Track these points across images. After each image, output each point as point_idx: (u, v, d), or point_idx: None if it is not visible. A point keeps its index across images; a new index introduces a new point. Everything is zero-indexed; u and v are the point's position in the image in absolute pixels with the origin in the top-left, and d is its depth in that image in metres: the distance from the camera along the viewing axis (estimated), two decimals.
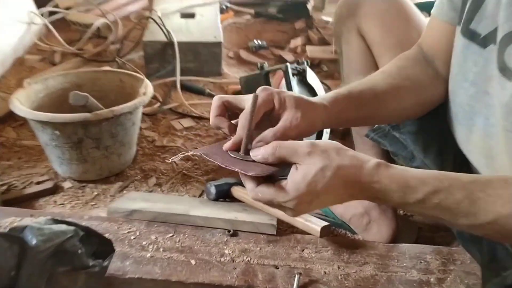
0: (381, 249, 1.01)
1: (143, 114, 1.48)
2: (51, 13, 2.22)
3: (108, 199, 1.25)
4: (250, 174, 0.61)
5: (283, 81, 1.27)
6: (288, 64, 1.24)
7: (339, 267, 0.95)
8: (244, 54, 2.12)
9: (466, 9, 0.76)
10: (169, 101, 1.72)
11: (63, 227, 0.74)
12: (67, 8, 2.32)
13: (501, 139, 0.72)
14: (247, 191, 0.64)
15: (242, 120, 0.66)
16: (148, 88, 1.33)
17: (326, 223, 1.03)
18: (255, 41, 2.18)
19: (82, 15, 2.29)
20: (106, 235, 0.97)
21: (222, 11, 2.40)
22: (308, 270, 0.94)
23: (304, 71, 1.28)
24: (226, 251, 0.97)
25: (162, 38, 1.85)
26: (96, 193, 1.27)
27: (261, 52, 2.16)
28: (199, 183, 1.31)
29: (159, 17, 1.91)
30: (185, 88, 1.78)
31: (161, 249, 0.97)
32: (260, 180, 0.63)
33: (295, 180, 0.60)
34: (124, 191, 1.28)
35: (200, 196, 1.26)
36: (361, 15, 1.00)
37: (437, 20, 0.84)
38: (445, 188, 0.59)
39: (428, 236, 1.13)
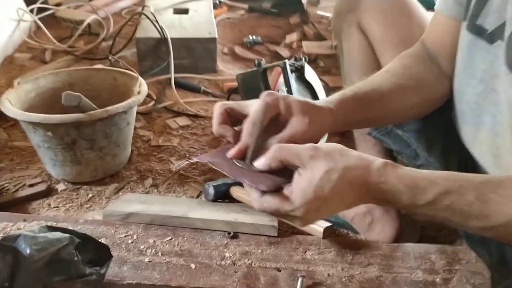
0: (385, 249, 0.99)
1: (137, 113, 1.46)
2: (41, 10, 2.18)
3: (104, 201, 1.22)
4: (260, 188, 0.59)
5: (281, 78, 1.24)
6: (286, 60, 1.21)
7: (342, 269, 0.93)
8: (239, 50, 2.09)
9: (472, 4, 0.74)
10: (163, 99, 1.70)
11: (58, 234, 0.71)
12: (57, 5, 2.28)
13: (507, 137, 0.70)
14: (252, 201, 0.61)
15: (248, 127, 0.64)
16: (142, 87, 1.31)
17: (329, 224, 1.01)
18: (250, 36, 2.16)
19: (73, 12, 2.25)
20: (103, 240, 0.96)
21: (215, 6, 2.37)
22: (311, 273, 0.92)
23: (302, 67, 1.25)
24: (227, 254, 0.95)
25: (155, 34, 1.82)
26: (91, 195, 1.24)
27: (256, 48, 2.13)
28: (197, 184, 1.29)
29: (152, 13, 1.88)
30: (180, 85, 1.75)
31: (160, 253, 0.95)
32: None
33: (300, 186, 0.57)
34: (120, 193, 1.25)
35: (198, 197, 1.24)
36: (361, 10, 0.98)
37: (441, 16, 0.82)
38: (456, 189, 0.57)
39: (432, 235, 1.11)
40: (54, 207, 1.18)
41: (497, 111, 0.71)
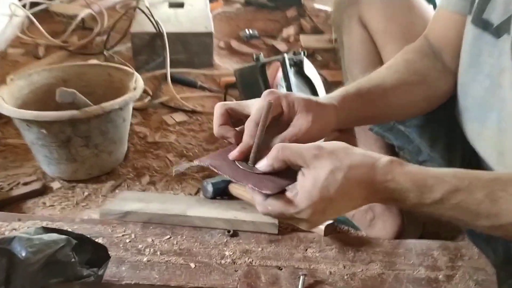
0: (387, 246, 0.99)
1: (133, 109, 1.43)
2: (34, 5, 2.15)
3: (100, 199, 1.20)
4: (264, 192, 0.57)
5: (280, 73, 1.23)
6: (285, 55, 1.19)
7: (344, 267, 0.93)
8: (235, 44, 2.07)
9: None
10: (159, 94, 1.68)
11: (54, 236, 0.69)
12: None
13: (511, 134, 0.68)
14: (256, 205, 0.59)
15: (249, 128, 0.62)
16: (138, 82, 1.29)
17: (330, 221, 1.00)
18: (246, 30, 2.13)
19: (66, 6, 2.22)
20: (100, 239, 0.95)
21: (211, 0, 2.34)
22: (312, 271, 0.91)
23: (301, 62, 1.24)
24: (227, 253, 0.94)
25: (150, 29, 1.80)
26: (87, 193, 1.22)
27: (253, 41, 2.11)
28: (195, 181, 1.27)
29: (147, 7, 1.85)
30: (176, 80, 1.73)
31: (158, 253, 0.93)
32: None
33: (305, 187, 0.55)
34: (116, 191, 1.24)
35: (196, 194, 1.23)
36: (362, 3, 0.96)
37: (445, 11, 0.81)
38: (464, 187, 0.55)
39: (433, 230, 1.10)
40: (49, 206, 1.17)
41: (503, 107, 0.70)
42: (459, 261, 0.94)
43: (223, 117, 0.64)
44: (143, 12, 1.83)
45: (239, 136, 0.63)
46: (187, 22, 1.92)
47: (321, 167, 0.55)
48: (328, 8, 2.14)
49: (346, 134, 1.28)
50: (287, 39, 2.12)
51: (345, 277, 0.90)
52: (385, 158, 0.57)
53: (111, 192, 1.23)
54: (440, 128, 0.88)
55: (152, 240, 0.96)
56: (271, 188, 0.57)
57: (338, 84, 0.79)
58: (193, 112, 1.59)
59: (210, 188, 1.13)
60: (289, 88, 1.15)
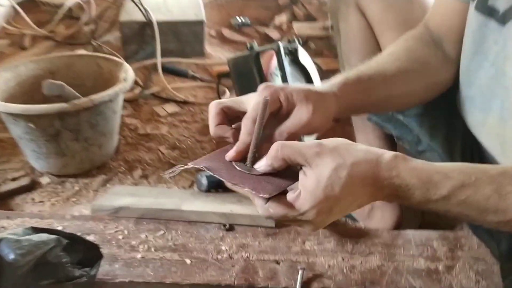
0: (386, 237, 0.97)
1: (124, 100, 1.40)
2: None
3: (91, 194, 1.18)
4: (262, 196, 0.54)
5: (274, 62, 1.19)
6: (280, 43, 1.16)
7: (343, 259, 0.91)
8: (227, 32, 2.04)
9: None
10: (150, 85, 1.65)
11: (43, 236, 0.67)
12: None
13: None
14: (257, 208, 0.56)
15: (246, 125, 0.59)
16: (128, 73, 1.26)
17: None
18: (237, 18, 2.09)
19: None
20: (92, 236, 0.93)
21: None
22: (311, 264, 0.90)
23: (296, 50, 1.20)
24: (223, 248, 0.92)
25: (139, 17, 1.76)
26: (77, 188, 1.20)
27: (245, 29, 2.07)
28: (189, 173, 1.24)
29: None
30: (167, 70, 1.70)
31: (153, 249, 0.91)
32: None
33: (308, 187, 0.53)
34: (108, 185, 1.21)
35: (190, 187, 1.21)
36: None
37: None
38: (472, 182, 0.53)
39: (432, 220, 1.09)
40: (38, 202, 1.14)
41: (506, 96, 0.68)
42: (459, 251, 0.93)
43: (219, 116, 0.61)
44: (132, 0, 1.78)
45: (237, 135, 0.60)
46: (177, 10, 1.88)
47: (323, 165, 0.52)
48: None
49: (342, 124, 1.26)
50: (280, 26, 2.09)
51: (344, 270, 0.88)
52: (388, 154, 0.54)
53: (102, 186, 1.21)
54: (440, 118, 0.86)
55: (146, 236, 0.94)
56: (270, 190, 0.54)
57: (333, 72, 0.76)
58: (185, 102, 1.56)
59: (204, 181, 1.10)
60: (284, 77, 1.12)
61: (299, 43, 1.22)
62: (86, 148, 1.21)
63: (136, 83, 1.58)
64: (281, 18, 2.12)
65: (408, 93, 0.77)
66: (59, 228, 0.93)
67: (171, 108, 1.54)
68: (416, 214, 1.09)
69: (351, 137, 1.13)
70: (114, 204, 1.00)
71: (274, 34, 2.02)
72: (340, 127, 1.30)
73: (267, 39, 1.97)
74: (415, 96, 0.79)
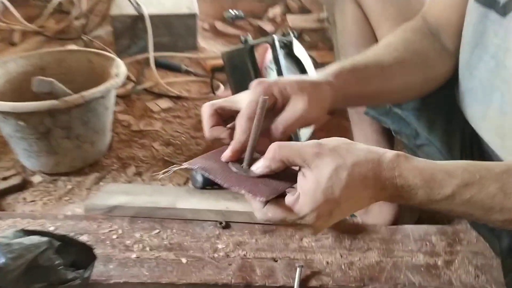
0: (384, 233, 0.96)
1: (116, 96, 1.38)
2: None
3: (84, 192, 1.17)
4: (259, 199, 0.52)
5: (268, 55, 1.18)
6: (274, 36, 1.14)
7: (341, 255, 0.90)
8: (220, 25, 2.02)
9: None
10: (143, 80, 1.63)
11: (35, 239, 0.65)
12: None
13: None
14: (254, 212, 0.55)
15: (240, 123, 0.57)
16: (120, 68, 1.24)
17: None
18: (230, 11, 2.08)
19: None
20: (85, 236, 0.91)
21: None
22: (309, 261, 0.89)
23: (291, 43, 1.19)
24: (219, 246, 0.91)
25: (131, 11, 1.74)
26: (70, 186, 1.18)
27: (238, 22, 2.05)
28: (183, 170, 1.23)
29: None
30: (160, 65, 1.68)
31: (148, 248, 0.90)
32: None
33: (307, 189, 0.51)
34: (101, 183, 1.20)
35: (185, 184, 1.19)
36: None
37: None
38: (476, 180, 0.52)
39: (429, 214, 1.08)
40: (30, 201, 1.13)
41: (506, 89, 0.66)
42: (458, 246, 0.93)
43: (213, 117, 0.59)
44: None
45: (233, 135, 0.58)
46: (169, 3, 1.86)
47: (323, 166, 0.50)
48: None
49: (339, 119, 1.25)
50: (274, 19, 2.07)
51: (343, 266, 0.87)
52: (390, 153, 0.53)
53: (95, 184, 1.19)
54: (439, 112, 0.85)
55: (141, 235, 0.92)
56: (268, 193, 0.53)
57: (328, 65, 0.75)
58: (179, 97, 1.55)
59: (199, 177, 1.09)
60: (279, 71, 1.11)
61: (294, 36, 1.20)
62: (78, 145, 1.19)
63: (128, 78, 1.56)
64: (275, 11, 2.10)
65: (406, 85, 0.75)
66: (52, 228, 0.92)
67: (164, 103, 1.52)
68: (413, 208, 1.08)
69: (348, 132, 1.12)
70: (107, 203, 0.98)
71: (268, 26, 2.00)
72: (337, 121, 1.29)
73: (261, 32, 1.95)
74: (413, 89, 0.77)
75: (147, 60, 1.66)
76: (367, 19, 0.92)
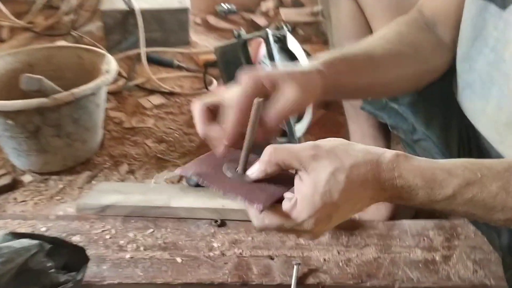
0: (381, 228, 0.96)
1: (107, 92, 1.36)
2: None
3: (76, 191, 1.15)
4: (256, 206, 0.50)
5: (262, 50, 1.16)
6: (268, 30, 1.12)
7: (339, 252, 0.90)
8: (212, 20, 2.00)
9: None
10: (134, 76, 1.61)
11: (25, 242, 0.63)
12: None
13: (510, 112, 0.64)
14: (251, 219, 0.53)
15: (229, 115, 0.55)
16: (111, 65, 1.22)
17: None
18: (223, 5, 2.06)
19: None
20: (77, 237, 0.90)
21: None
22: (306, 259, 0.88)
23: (285, 37, 1.17)
24: (215, 244, 0.90)
25: (121, 6, 1.71)
26: (61, 186, 1.16)
27: (231, 17, 2.03)
28: (176, 167, 1.21)
29: None
30: (151, 60, 1.66)
31: (142, 248, 0.89)
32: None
33: (305, 194, 0.49)
34: (93, 182, 1.18)
35: (178, 182, 1.17)
36: None
37: None
38: (478, 179, 0.50)
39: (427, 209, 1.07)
40: (21, 202, 1.11)
41: (504, 83, 0.65)
42: (455, 240, 0.92)
43: (205, 113, 0.58)
44: None
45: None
46: None
47: (320, 169, 0.49)
48: None
49: (334, 114, 1.24)
50: (266, 13, 2.05)
51: (340, 263, 0.87)
52: (389, 153, 0.51)
53: (87, 183, 1.17)
54: (436, 106, 0.84)
55: (134, 235, 0.91)
56: (264, 200, 0.51)
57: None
58: (171, 93, 1.53)
59: None
60: (273, 65, 1.09)
61: (288, 29, 1.18)
62: (69, 144, 1.17)
63: (119, 74, 1.54)
64: (268, 4, 2.08)
65: (399, 77, 0.73)
66: (43, 229, 0.90)
67: (156, 99, 1.50)
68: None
69: (343, 127, 1.10)
70: (100, 202, 0.97)
71: (260, 20, 1.98)
72: (332, 116, 1.28)
73: (254, 26, 1.94)
74: (407, 81, 0.76)
75: (138, 56, 1.64)
76: (362, 13, 0.91)
